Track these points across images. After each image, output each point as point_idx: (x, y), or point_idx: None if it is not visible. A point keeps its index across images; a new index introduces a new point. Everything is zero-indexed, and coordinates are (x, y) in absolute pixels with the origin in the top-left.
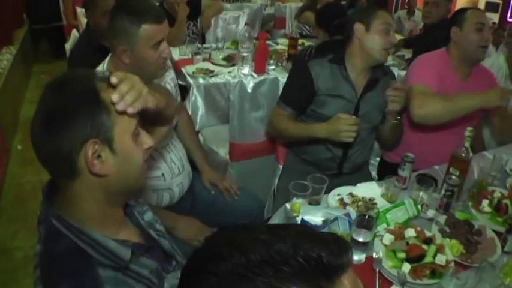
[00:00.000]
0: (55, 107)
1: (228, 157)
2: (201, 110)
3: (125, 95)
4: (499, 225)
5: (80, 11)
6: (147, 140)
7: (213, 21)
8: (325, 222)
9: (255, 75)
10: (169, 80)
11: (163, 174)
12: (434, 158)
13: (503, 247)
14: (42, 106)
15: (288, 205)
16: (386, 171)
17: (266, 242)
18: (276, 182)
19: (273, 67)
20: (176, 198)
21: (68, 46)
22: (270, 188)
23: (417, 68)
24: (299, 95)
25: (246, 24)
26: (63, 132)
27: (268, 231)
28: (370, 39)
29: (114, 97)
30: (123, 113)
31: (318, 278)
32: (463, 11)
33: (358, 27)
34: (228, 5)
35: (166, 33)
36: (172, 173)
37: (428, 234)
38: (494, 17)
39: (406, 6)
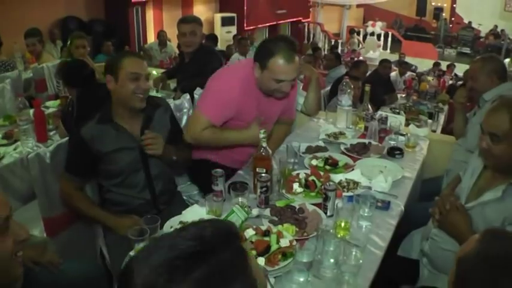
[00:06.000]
0: None
1: (44, 234)
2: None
3: None
4: (314, 198)
5: None
6: None
7: None
8: None
9: (41, 145)
10: None
11: None
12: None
13: (326, 213)
14: None
15: (132, 253)
16: None
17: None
18: (102, 240)
19: (53, 132)
20: None
21: None
22: (95, 248)
23: (212, 96)
24: (82, 164)
25: (19, 95)
26: None
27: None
28: (122, 89)
29: None
30: None
31: None
32: None
33: (109, 79)
34: None
35: None
36: None
37: (263, 228)
38: (233, 29)
39: (157, 39)
